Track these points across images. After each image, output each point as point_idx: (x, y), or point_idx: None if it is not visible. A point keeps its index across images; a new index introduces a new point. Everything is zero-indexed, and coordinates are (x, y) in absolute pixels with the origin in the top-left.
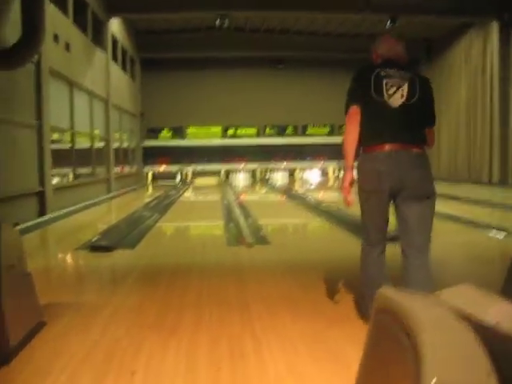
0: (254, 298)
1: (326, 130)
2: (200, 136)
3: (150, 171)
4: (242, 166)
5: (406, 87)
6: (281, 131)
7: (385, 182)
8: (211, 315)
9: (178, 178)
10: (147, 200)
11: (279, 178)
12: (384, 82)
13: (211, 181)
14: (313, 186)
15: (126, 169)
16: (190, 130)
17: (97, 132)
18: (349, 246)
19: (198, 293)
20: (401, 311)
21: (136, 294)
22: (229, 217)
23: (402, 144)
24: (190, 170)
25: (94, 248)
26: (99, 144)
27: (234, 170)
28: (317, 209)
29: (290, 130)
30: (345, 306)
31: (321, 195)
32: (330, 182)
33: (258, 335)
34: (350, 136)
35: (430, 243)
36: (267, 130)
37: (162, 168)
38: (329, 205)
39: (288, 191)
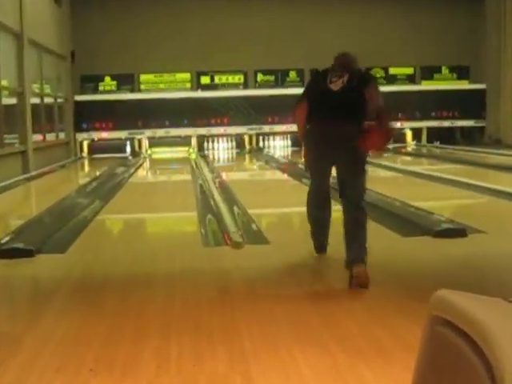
0: (245, 323)
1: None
2: (160, 87)
3: (85, 140)
4: (222, 130)
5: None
6: (279, 79)
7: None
8: (182, 349)
9: (128, 149)
10: (82, 182)
11: (278, 146)
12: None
13: (178, 152)
14: None
15: (51, 136)
16: (145, 79)
17: (4, 83)
18: (385, 242)
19: (161, 316)
20: (473, 328)
21: (68, 319)
22: (205, 205)
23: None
24: (145, 137)
25: (5, 253)
26: (8, 100)
27: (211, 135)
28: (336, 192)
29: (292, 76)
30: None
31: None
32: None
33: (253, 379)
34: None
35: (362, 199)
36: (259, 78)
37: (104, 135)
38: None
39: (292, 166)
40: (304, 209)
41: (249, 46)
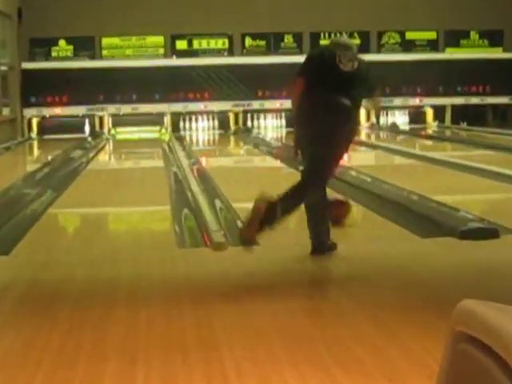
0: (227, 340)
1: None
2: (126, 54)
3: (35, 117)
4: (202, 106)
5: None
6: (272, 44)
7: None
8: (150, 372)
9: (87, 128)
10: (31, 168)
11: (270, 127)
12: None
13: (147, 133)
14: None
15: None
16: (108, 43)
17: None
18: (400, 244)
19: (125, 331)
20: (501, 345)
21: (13, 334)
22: (181, 197)
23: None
24: (108, 114)
25: None
26: None
27: (188, 113)
28: (339, 181)
29: (288, 40)
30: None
31: (345, 157)
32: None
33: None
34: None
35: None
36: (248, 43)
37: (58, 111)
38: (360, 175)
39: (286, 150)
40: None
41: (235, 4)
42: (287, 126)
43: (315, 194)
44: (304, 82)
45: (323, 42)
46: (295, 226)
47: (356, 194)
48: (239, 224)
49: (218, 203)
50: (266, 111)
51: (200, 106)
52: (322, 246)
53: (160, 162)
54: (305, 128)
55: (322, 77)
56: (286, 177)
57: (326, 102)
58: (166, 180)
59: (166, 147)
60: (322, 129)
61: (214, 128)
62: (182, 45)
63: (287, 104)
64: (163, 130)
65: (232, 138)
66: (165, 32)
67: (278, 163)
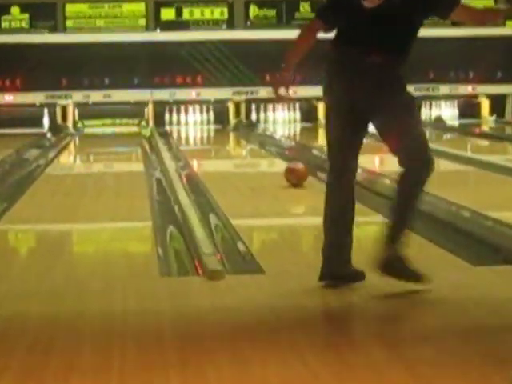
0: None
1: None
2: (97, 25)
3: None
4: (194, 93)
5: None
6: (284, 14)
7: None
8: None
9: (46, 121)
10: None
11: (281, 121)
12: None
13: (123, 127)
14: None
15: None
16: (74, 12)
17: None
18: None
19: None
20: None
21: None
22: (165, 211)
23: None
24: (73, 102)
25: None
26: None
27: (176, 102)
28: (367, 191)
29: (304, 9)
30: None
31: (377, 161)
32: None
33: None
34: None
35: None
36: (253, 12)
37: (9, 98)
38: (395, 184)
39: (302, 152)
40: (318, 219)
41: None
42: (303, 120)
43: (347, 190)
44: (320, 25)
45: None
46: (308, 248)
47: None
48: (240, 247)
49: (213, 219)
50: (275, 101)
51: (191, 93)
52: (343, 268)
53: (139, 165)
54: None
55: (345, 22)
56: (302, 186)
57: (365, 61)
58: (146, 189)
59: (146, 146)
60: (389, 105)
61: (208, 122)
62: (168, 14)
63: (304, 91)
64: (143, 124)
65: (231, 135)
66: None
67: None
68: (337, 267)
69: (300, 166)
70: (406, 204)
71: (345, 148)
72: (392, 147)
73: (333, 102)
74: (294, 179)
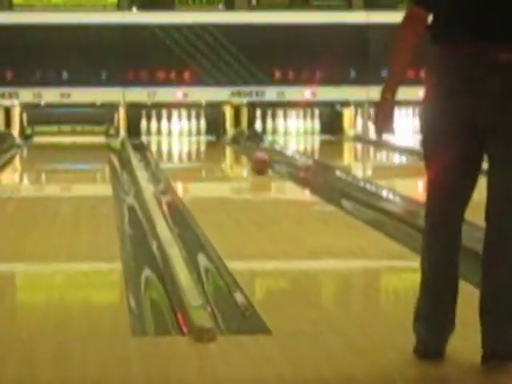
0: None
1: None
2: (53, 2)
3: None
4: (180, 94)
5: None
6: None
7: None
8: None
9: None
10: None
11: (295, 131)
12: None
13: (87, 137)
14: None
15: None
16: None
17: None
18: None
19: None
20: None
21: None
22: (140, 249)
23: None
24: (19, 103)
25: None
26: None
27: (156, 105)
28: (406, 226)
29: None
30: None
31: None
32: None
33: None
34: None
35: None
36: None
37: None
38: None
39: (321, 173)
40: (341, 263)
41: None
42: (323, 132)
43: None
44: (423, 14)
45: None
46: (329, 300)
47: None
48: (238, 298)
49: (202, 261)
50: (287, 105)
51: (176, 93)
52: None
53: (106, 187)
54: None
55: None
56: (321, 218)
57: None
58: (115, 219)
59: (116, 162)
60: None
61: (198, 132)
62: None
63: (325, 93)
64: (112, 133)
65: (229, 150)
66: None
67: (305, 195)
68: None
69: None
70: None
71: (452, 189)
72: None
73: (437, 123)
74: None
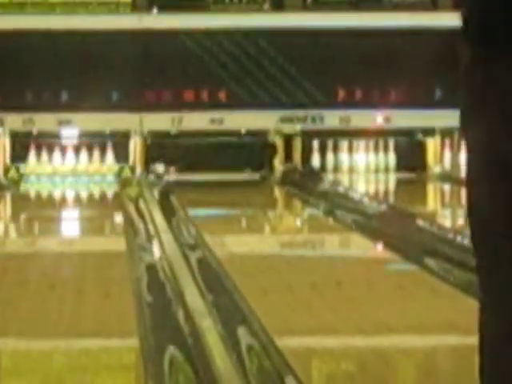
0: None
1: None
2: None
3: None
4: (208, 119)
5: None
6: None
7: None
8: None
9: None
10: None
11: (363, 168)
12: None
13: (92, 178)
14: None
15: None
16: None
17: None
18: None
19: None
20: None
21: None
22: (163, 321)
23: None
24: (6, 131)
25: None
26: None
27: (181, 135)
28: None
29: None
30: None
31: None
32: None
33: None
34: None
35: None
36: None
37: None
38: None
39: (398, 224)
40: (426, 340)
41: None
42: (400, 168)
43: None
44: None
45: None
46: None
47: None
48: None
49: (244, 336)
50: (353, 134)
51: (204, 118)
52: None
53: (118, 240)
54: None
55: None
56: (398, 282)
57: None
58: (129, 282)
59: (131, 208)
60: None
61: (235, 167)
62: None
63: (402, 119)
64: (126, 171)
65: (278, 192)
66: None
67: (378, 250)
68: None
69: None
70: None
71: None
72: None
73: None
74: None
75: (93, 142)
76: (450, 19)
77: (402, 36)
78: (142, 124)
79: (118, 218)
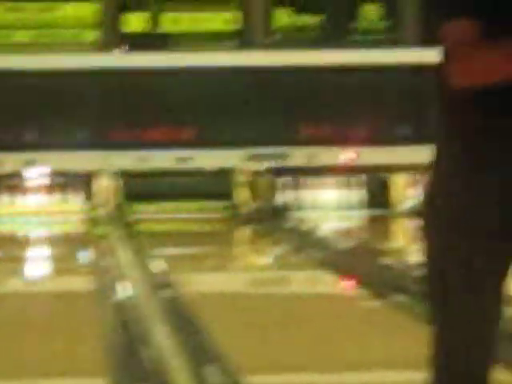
0: None
1: None
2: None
3: None
4: (172, 157)
5: None
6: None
7: None
8: None
9: None
10: None
11: (331, 205)
12: None
13: (56, 217)
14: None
15: None
16: None
17: None
18: None
19: None
20: None
21: None
22: (130, 361)
23: None
24: None
25: None
26: None
27: (150, 174)
28: None
29: (367, 13)
30: None
31: None
32: None
33: None
34: None
35: None
36: (281, 20)
37: None
38: None
39: (369, 259)
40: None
41: None
42: (371, 205)
43: None
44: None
45: None
46: None
47: None
48: None
49: (212, 376)
50: (320, 171)
51: (172, 157)
52: None
53: (84, 280)
54: None
55: None
56: (367, 319)
57: None
58: (97, 321)
59: (99, 246)
60: None
61: (202, 208)
62: (137, 23)
63: (366, 155)
64: (92, 211)
65: (243, 230)
66: None
67: (346, 287)
68: None
69: None
70: None
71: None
72: None
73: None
74: None
75: (58, 181)
76: (412, 56)
77: (365, 72)
78: (108, 163)
79: (86, 257)
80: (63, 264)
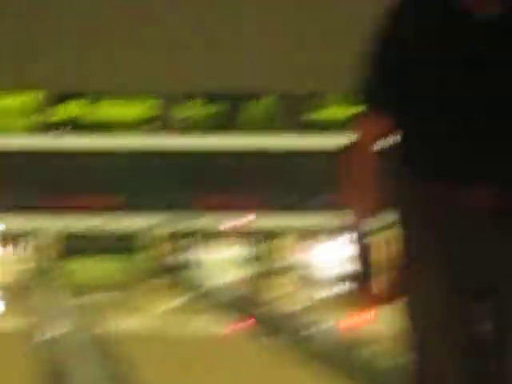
0: None
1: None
2: None
3: None
4: (98, 221)
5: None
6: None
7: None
8: None
9: None
10: None
11: (227, 260)
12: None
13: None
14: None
15: None
16: None
17: None
18: None
19: None
20: None
21: None
22: None
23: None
24: None
25: None
26: None
27: (74, 236)
28: None
29: (262, 105)
30: None
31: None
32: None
33: None
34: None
35: None
36: (190, 110)
37: None
38: None
39: (248, 305)
40: None
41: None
42: (259, 262)
43: None
44: (382, 122)
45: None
46: None
47: None
48: None
49: None
50: (216, 235)
51: (96, 221)
52: None
53: (17, 321)
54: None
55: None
56: (259, 357)
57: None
58: (29, 360)
59: (31, 296)
60: None
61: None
62: (69, 110)
63: (259, 220)
64: (25, 262)
65: (151, 282)
66: (38, 83)
67: (239, 330)
68: None
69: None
70: None
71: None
72: None
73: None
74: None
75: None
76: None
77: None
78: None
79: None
80: None
